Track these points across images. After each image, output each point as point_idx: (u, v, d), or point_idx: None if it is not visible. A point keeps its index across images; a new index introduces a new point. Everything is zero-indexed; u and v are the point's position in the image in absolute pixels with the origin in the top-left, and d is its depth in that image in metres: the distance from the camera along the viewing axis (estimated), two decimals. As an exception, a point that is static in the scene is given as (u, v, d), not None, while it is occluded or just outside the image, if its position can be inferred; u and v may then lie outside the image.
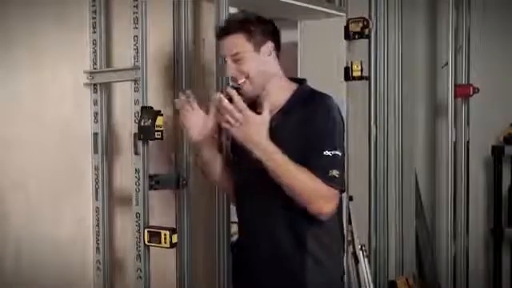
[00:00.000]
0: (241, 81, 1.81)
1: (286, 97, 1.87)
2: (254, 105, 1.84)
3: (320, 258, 1.85)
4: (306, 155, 1.74)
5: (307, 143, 1.76)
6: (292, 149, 1.74)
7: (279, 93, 1.87)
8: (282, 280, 1.86)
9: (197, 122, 1.87)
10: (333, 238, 1.92)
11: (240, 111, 1.69)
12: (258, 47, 1.81)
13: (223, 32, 1.84)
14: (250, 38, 1.80)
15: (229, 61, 1.83)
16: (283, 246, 1.85)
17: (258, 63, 1.81)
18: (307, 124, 1.77)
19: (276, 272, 1.87)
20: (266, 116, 1.71)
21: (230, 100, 1.70)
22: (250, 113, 1.70)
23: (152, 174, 2.03)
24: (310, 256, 1.83)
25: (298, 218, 1.80)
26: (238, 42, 1.80)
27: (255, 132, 1.70)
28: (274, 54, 1.85)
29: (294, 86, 1.90)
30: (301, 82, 1.95)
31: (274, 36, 1.86)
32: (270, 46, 1.84)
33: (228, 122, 1.70)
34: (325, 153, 1.73)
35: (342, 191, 1.79)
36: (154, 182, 2.07)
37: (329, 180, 1.72)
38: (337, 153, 1.74)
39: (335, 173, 1.73)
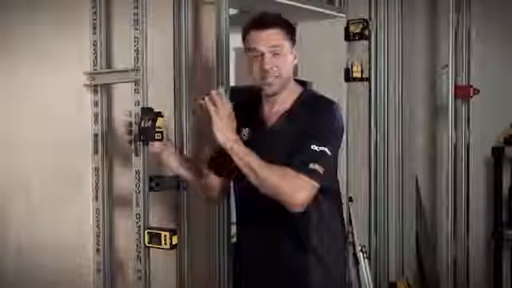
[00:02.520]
0: (275, 75, 1.83)
1: (291, 100, 1.88)
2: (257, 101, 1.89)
3: (321, 257, 1.85)
4: (295, 147, 1.75)
5: (300, 137, 1.77)
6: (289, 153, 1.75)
7: (287, 95, 1.89)
8: (283, 279, 1.87)
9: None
10: (333, 237, 1.91)
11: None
12: (291, 47, 1.86)
13: (264, 23, 1.84)
14: (287, 36, 1.84)
15: (268, 54, 1.82)
16: (282, 245, 1.85)
17: (288, 62, 1.85)
18: (307, 127, 1.79)
19: (277, 272, 1.87)
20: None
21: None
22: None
23: (152, 176, 2.03)
24: (310, 255, 1.84)
25: (297, 217, 1.79)
26: (277, 37, 1.82)
27: (229, 133, 1.76)
28: (296, 59, 1.90)
29: (299, 90, 1.91)
30: (303, 84, 1.96)
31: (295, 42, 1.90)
32: (295, 51, 1.88)
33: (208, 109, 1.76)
34: (312, 147, 1.73)
35: (319, 187, 1.77)
36: (154, 184, 2.07)
37: (304, 170, 1.71)
38: (325, 150, 1.74)
39: (317, 167, 1.72)
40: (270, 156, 1.79)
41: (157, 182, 2.08)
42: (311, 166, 1.72)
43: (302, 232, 1.84)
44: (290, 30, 1.87)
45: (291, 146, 1.76)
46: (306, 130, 1.78)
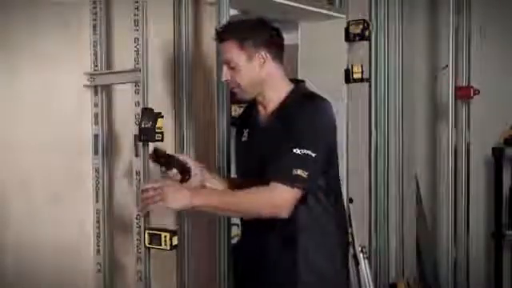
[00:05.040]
0: (232, 86, 1.86)
1: (280, 99, 1.88)
2: (255, 102, 1.89)
3: (309, 258, 1.85)
4: (278, 153, 1.74)
5: (284, 141, 1.75)
6: (277, 150, 1.75)
7: (274, 95, 1.88)
8: (275, 280, 1.87)
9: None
10: (324, 237, 1.90)
11: (155, 189, 1.70)
12: (250, 56, 1.82)
13: (218, 37, 1.86)
14: (242, 47, 1.81)
15: (224, 66, 1.85)
16: (272, 246, 1.86)
17: (250, 72, 1.82)
18: (289, 128, 1.78)
19: (269, 272, 1.88)
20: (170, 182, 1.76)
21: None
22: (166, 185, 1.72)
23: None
24: (298, 255, 1.84)
25: (285, 219, 1.79)
26: (231, 50, 1.82)
27: (180, 197, 1.71)
28: (269, 60, 1.84)
29: (288, 88, 1.90)
30: (299, 82, 1.95)
31: (271, 43, 1.85)
32: (263, 54, 1.83)
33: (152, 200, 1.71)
34: (294, 150, 1.71)
35: (304, 189, 1.75)
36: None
37: (284, 179, 1.71)
38: (308, 152, 1.72)
39: (299, 172, 1.70)
40: (260, 155, 1.81)
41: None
42: (294, 172, 1.70)
43: (289, 233, 1.83)
44: (248, 39, 1.81)
45: (275, 147, 1.76)
46: (288, 131, 1.75)
